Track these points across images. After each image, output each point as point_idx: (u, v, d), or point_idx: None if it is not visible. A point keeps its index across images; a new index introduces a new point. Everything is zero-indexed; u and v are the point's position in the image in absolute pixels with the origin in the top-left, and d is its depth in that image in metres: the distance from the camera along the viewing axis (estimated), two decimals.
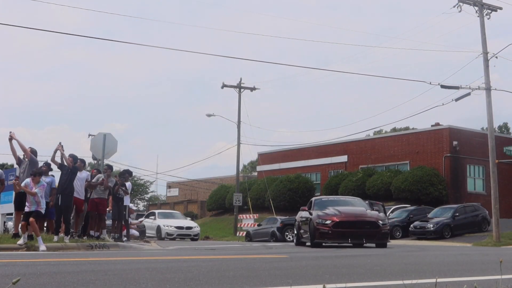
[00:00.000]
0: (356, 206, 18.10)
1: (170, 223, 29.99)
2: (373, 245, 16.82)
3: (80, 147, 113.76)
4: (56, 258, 8.74)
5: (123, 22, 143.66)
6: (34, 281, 5.00)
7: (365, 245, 16.80)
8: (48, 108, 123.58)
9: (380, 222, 16.57)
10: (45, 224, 16.23)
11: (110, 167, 17.54)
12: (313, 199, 19.45)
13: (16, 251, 11.82)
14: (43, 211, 12.77)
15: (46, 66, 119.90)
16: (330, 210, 17.18)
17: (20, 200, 14.26)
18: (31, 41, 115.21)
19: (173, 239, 28.99)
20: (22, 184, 12.87)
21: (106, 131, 21.25)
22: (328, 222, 16.42)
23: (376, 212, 17.80)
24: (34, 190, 12.49)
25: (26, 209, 12.65)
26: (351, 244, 16.69)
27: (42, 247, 11.88)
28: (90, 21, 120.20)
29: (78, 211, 15.55)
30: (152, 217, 31.74)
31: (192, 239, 29.47)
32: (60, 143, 14.39)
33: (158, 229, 29.98)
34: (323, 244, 16.86)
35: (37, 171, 13.15)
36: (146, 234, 30.29)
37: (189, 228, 30.19)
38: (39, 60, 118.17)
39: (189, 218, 35.05)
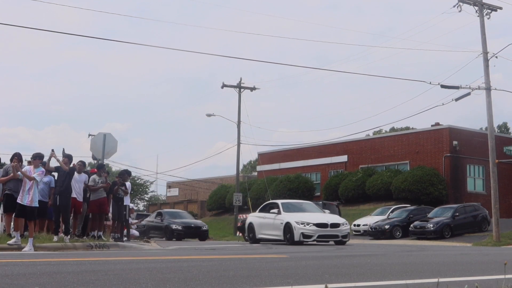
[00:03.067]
0: None
1: (305, 219, 19.90)
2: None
3: (80, 147, 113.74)
4: (56, 258, 8.73)
5: (123, 22, 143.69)
6: (34, 281, 4.99)
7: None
8: (48, 108, 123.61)
9: None
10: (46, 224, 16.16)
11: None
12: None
13: (11, 251, 11.72)
14: (34, 204, 12.15)
15: (46, 66, 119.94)
16: None
17: (6, 202, 14.11)
18: (31, 41, 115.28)
19: (311, 242, 19.66)
20: (23, 170, 12.59)
21: (106, 131, 21.29)
22: None
23: None
24: (33, 175, 12.26)
25: (18, 199, 12.20)
26: None
27: (27, 247, 11.68)
28: (90, 20, 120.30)
29: (77, 212, 15.50)
30: (274, 210, 21.29)
31: (340, 242, 19.58)
32: (52, 150, 14.23)
33: (288, 228, 19.94)
34: None
35: (37, 155, 12.72)
36: (261, 236, 21.36)
37: (335, 226, 19.71)
38: (39, 60, 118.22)
39: (328, 211, 24.07)
